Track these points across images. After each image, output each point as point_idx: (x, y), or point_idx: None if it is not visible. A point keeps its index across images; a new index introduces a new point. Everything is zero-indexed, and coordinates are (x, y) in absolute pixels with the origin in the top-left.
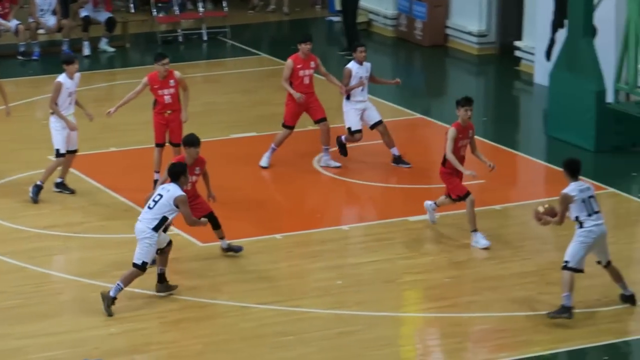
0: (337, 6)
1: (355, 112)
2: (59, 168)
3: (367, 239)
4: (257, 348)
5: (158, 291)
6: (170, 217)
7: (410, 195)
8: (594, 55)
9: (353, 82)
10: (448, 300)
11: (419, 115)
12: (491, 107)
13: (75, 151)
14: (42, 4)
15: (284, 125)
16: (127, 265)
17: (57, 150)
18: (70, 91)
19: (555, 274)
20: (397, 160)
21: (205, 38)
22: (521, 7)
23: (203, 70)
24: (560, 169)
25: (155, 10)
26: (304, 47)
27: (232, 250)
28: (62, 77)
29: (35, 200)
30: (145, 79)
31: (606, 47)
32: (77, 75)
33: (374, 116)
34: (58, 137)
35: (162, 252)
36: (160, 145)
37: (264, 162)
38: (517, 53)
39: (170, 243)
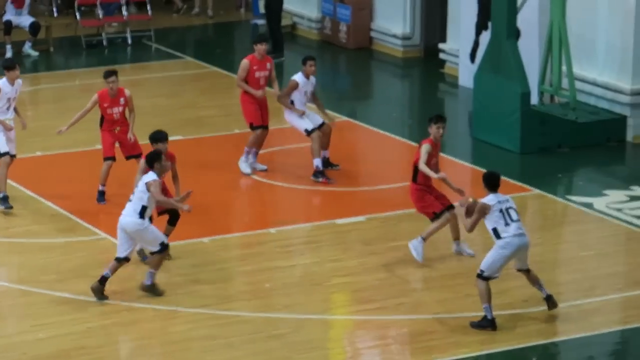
0: (261, 9)
1: (300, 116)
2: None
3: (294, 242)
4: (185, 352)
5: (92, 287)
6: (149, 207)
7: (338, 198)
8: (518, 57)
9: (297, 95)
10: (376, 303)
11: (345, 118)
12: (416, 109)
13: (14, 156)
14: None
15: (253, 127)
16: (54, 269)
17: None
18: (9, 97)
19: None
20: (326, 163)
21: (129, 41)
22: (445, 9)
23: (127, 74)
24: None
25: (78, 13)
26: (260, 48)
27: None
28: (1, 82)
29: (9, 207)
30: (95, 97)
31: (530, 49)
32: (19, 81)
33: (317, 119)
34: None
35: (120, 260)
36: (110, 158)
37: (244, 168)
38: (442, 55)
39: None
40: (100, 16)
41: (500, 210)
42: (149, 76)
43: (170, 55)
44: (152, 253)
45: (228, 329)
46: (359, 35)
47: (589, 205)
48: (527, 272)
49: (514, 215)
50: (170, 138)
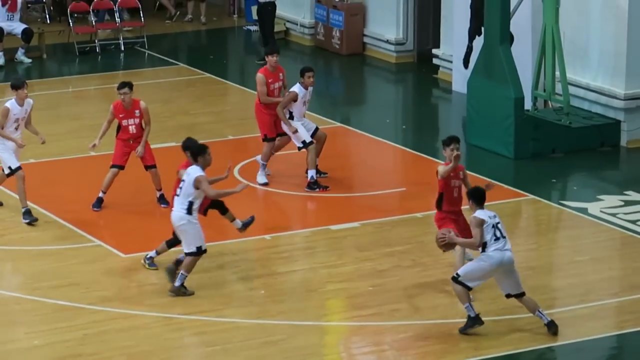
0: (254, 15)
1: (300, 126)
2: None
3: (289, 248)
4: (181, 359)
5: (171, 291)
6: (196, 202)
7: (332, 204)
8: (512, 63)
9: (296, 106)
10: (371, 309)
11: (338, 124)
12: (410, 115)
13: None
14: None
15: (266, 139)
16: (49, 276)
17: (9, 167)
18: (17, 117)
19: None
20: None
21: (122, 48)
22: (438, 15)
23: (120, 80)
24: (481, 177)
25: (71, 20)
26: (271, 60)
27: (248, 225)
28: (10, 103)
29: (34, 219)
30: (110, 108)
31: (523, 54)
32: (29, 101)
33: (311, 125)
34: (4, 156)
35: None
36: (117, 167)
37: (260, 179)
38: (435, 61)
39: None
40: (93, 23)
41: (493, 226)
42: (142, 83)
43: (163, 61)
44: (187, 254)
45: (223, 335)
46: (352, 41)
47: (584, 210)
48: (521, 296)
49: (503, 231)
50: (164, 145)
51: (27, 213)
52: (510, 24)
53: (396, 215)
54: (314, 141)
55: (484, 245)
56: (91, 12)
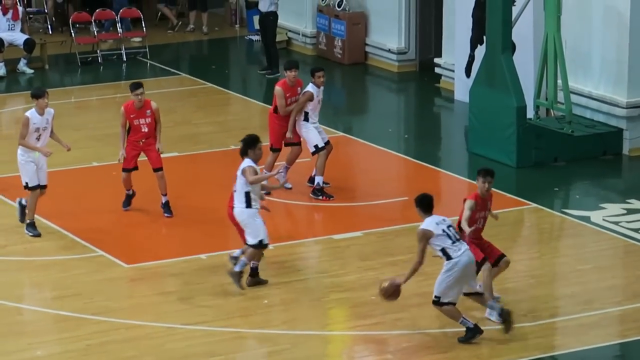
0: (256, 25)
1: (315, 130)
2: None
3: (292, 258)
4: None
5: (249, 284)
6: (252, 193)
7: (335, 213)
8: (514, 71)
9: (311, 106)
10: (375, 318)
11: (340, 134)
12: (412, 124)
13: (44, 186)
14: None
15: (272, 149)
16: (52, 287)
17: (26, 183)
18: (38, 127)
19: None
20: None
21: (124, 58)
22: (440, 24)
23: (123, 90)
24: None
25: (73, 31)
26: (290, 75)
27: None
28: (30, 112)
29: (37, 234)
30: (121, 110)
31: (525, 62)
32: (49, 110)
33: (324, 136)
34: (24, 170)
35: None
36: (128, 170)
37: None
38: (437, 70)
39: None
40: (95, 33)
41: (443, 231)
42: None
43: (165, 71)
44: (249, 246)
45: (226, 345)
46: (354, 50)
47: (586, 219)
48: (479, 294)
49: (456, 234)
50: (166, 155)
51: (31, 225)
52: (512, 32)
53: (399, 224)
54: (325, 147)
55: (446, 254)
56: (93, 23)
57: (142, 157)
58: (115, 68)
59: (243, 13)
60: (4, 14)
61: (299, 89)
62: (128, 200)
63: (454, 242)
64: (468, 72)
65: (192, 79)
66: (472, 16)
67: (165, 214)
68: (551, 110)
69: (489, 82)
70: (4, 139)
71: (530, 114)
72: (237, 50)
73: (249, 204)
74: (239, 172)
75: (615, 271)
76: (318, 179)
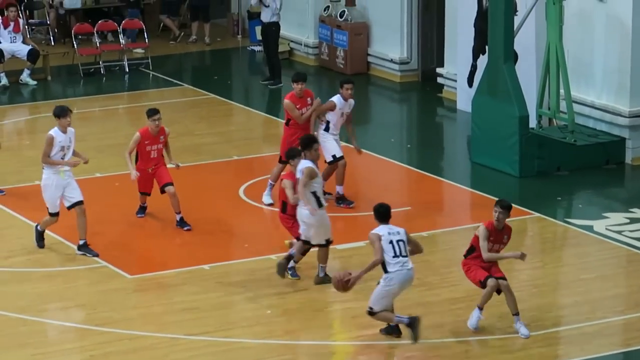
0: (258, 36)
1: (334, 140)
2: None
3: (295, 268)
4: None
5: (278, 262)
6: (318, 192)
7: (338, 223)
8: (516, 81)
9: (334, 117)
10: (377, 328)
11: (343, 144)
12: (415, 134)
13: (80, 202)
14: None
15: (280, 161)
16: (55, 298)
17: (48, 209)
18: (63, 145)
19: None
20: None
21: (126, 69)
22: (442, 34)
23: (125, 101)
24: (486, 195)
25: (75, 42)
26: (296, 87)
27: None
28: (54, 131)
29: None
30: (137, 136)
31: (528, 72)
32: (71, 130)
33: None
34: (47, 194)
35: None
36: (144, 193)
37: (266, 199)
38: (440, 80)
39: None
40: (97, 44)
41: (390, 242)
42: (146, 104)
43: (167, 82)
44: (319, 246)
45: (229, 355)
46: (357, 60)
47: (589, 228)
48: None
49: (403, 250)
50: (169, 166)
51: (39, 234)
52: (514, 42)
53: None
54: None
55: (384, 265)
56: (95, 34)
57: None
58: (118, 79)
59: (245, 24)
60: (5, 26)
61: (308, 99)
62: (143, 209)
63: (395, 256)
64: (470, 81)
65: (194, 90)
66: (474, 26)
67: (184, 228)
68: (554, 120)
69: (491, 92)
70: (6, 150)
71: (532, 123)
72: (239, 60)
73: (319, 204)
74: (298, 172)
75: (618, 280)
76: (338, 188)
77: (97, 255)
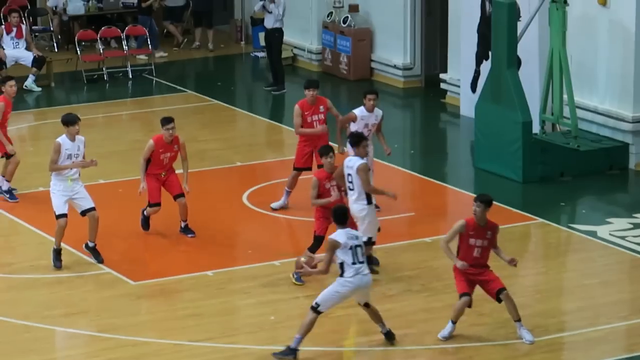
0: (262, 42)
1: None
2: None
3: None
4: None
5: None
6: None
7: None
8: (519, 86)
9: (355, 127)
10: (381, 334)
11: (346, 150)
12: (418, 139)
13: (92, 209)
14: None
15: (294, 168)
16: (59, 304)
17: (55, 212)
18: (69, 153)
19: (487, 304)
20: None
21: (130, 76)
22: (445, 39)
23: (129, 108)
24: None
25: (79, 48)
26: (307, 94)
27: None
28: (61, 138)
29: (59, 266)
30: (150, 143)
31: (531, 77)
32: (80, 138)
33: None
34: (54, 200)
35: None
36: (156, 205)
37: (276, 204)
38: (443, 85)
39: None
40: (101, 51)
41: (350, 248)
42: (150, 110)
43: (171, 88)
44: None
45: None
46: (360, 66)
47: (593, 234)
48: (366, 306)
49: (360, 256)
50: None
51: (56, 253)
52: (517, 47)
53: (405, 240)
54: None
55: (342, 268)
56: (98, 40)
57: None
58: (121, 85)
59: (248, 30)
60: (8, 32)
61: (321, 107)
62: (147, 221)
63: (354, 263)
64: (474, 87)
65: (197, 96)
66: (478, 32)
67: (188, 235)
68: (557, 125)
69: (494, 98)
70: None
71: (536, 129)
72: (242, 67)
73: (369, 201)
74: (352, 171)
75: (622, 286)
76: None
77: (102, 262)
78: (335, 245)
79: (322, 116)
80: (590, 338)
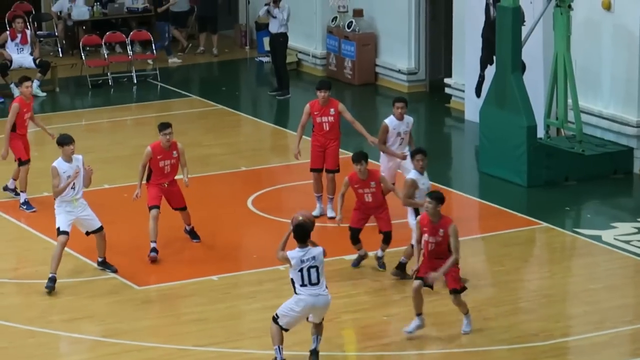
0: (266, 47)
1: (390, 170)
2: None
3: None
4: None
5: (393, 274)
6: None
7: (346, 234)
8: (524, 91)
9: (390, 138)
10: (387, 339)
11: (351, 154)
12: (423, 144)
13: (99, 229)
14: None
15: (311, 169)
16: (63, 309)
17: (58, 228)
18: (69, 175)
19: (492, 309)
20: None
21: (134, 81)
22: (450, 44)
23: (133, 113)
24: (494, 205)
25: (84, 53)
26: (319, 95)
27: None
28: (57, 162)
29: (51, 288)
30: (148, 150)
31: (535, 82)
32: (77, 157)
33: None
34: (58, 217)
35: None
36: (155, 207)
37: (330, 213)
38: (447, 90)
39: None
40: (105, 56)
41: (300, 270)
42: (154, 115)
43: (175, 93)
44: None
45: None
46: (364, 71)
47: (597, 238)
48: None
49: (313, 277)
50: (177, 177)
51: (52, 280)
52: (521, 52)
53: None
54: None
55: (293, 285)
56: (103, 45)
57: None
58: (126, 90)
59: (253, 35)
60: (13, 38)
61: (331, 109)
62: (154, 252)
63: (303, 285)
64: (478, 92)
65: (202, 101)
66: (482, 36)
67: (193, 240)
68: (561, 130)
69: (499, 102)
70: (14, 162)
71: (540, 133)
72: (247, 71)
73: (418, 214)
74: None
75: (627, 290)
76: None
77: (116, 271)
78: (287, 261)
79: (331, 118)
80: (595, 342)
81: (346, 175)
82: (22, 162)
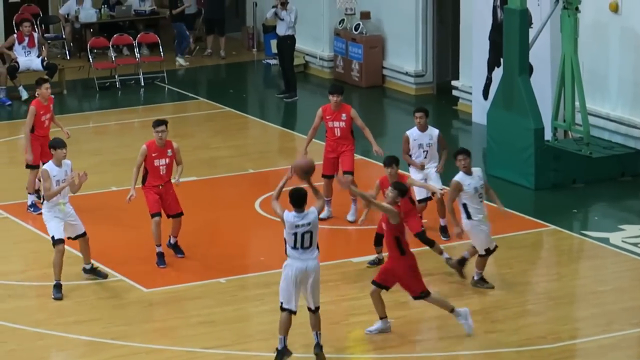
0: (274, 49)
1: (419, 177)
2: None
3: None
4: None
5: (452, 265)
6: (469, 205)
7: (354, 236)
8: (531, 93)
9: (413, 150)
10: (394, 341)
11: (358, 157)
12: None
13: (83, 234)
14: None
15: (322, 176)
16: (71, 312)
17: (52, 237)
18: (58, 179)
19: (500, 311)
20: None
21: (142, 83)
22: (457, 46)
23: (141, 115)
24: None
25: (91, 56)
26: (331, 99)
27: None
28: (48, 165)
29: (59, 297)
30: (143, 148)
31: (543, 84)
32: (67, 162)
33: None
34: (50, 224)
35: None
36: (157, 214)
37: (350, 217)
38: (455, 92)
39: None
40: (113, 58)
41: (295, 234)
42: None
43: (183, 96)
44: (480, 256)
45: None
46: (372, 73)
47: (605, 240)
48: (313, 311)
49: (306, 242)
50: (185, 179)
51: (57, 287)
52: (529, 54)
53: (418, 247)
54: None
55: (285, 250)
56: (110, 48)
57: None
58: (133, 93)
59: (260, 37)
60: (20, 42)
61: (343, 114)
62: (161, 257)
63: (294, 248)
64: (485, 94)
65: (209, 103)
66: (489, 38)
67: (177, 255)
68: (569, 132)
69: (506, 105)
70: (19, 165)
71: (548, 135)
72: (254, 74)
73: (469, 216)
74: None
75: (635, 292)
76: (441, 221)
77: (106, 277)
78: (282, 220)
79: (343, 124)
80: (603, 345)
81: (377, 179)
82: (31, 166)
